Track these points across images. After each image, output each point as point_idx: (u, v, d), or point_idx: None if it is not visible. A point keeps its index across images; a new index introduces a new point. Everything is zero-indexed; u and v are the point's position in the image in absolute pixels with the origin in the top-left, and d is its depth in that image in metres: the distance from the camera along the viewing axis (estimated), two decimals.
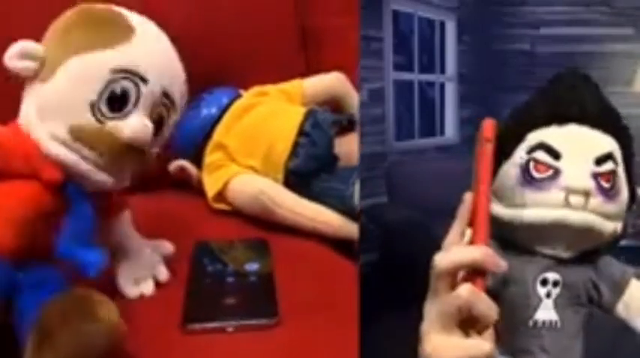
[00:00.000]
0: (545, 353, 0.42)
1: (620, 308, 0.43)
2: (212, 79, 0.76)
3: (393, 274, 1.02)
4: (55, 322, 0.46)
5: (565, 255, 0.42)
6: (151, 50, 0.55)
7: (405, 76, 1.78)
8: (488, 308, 0.36)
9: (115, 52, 0.52)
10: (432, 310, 0.37)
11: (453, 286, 0.37)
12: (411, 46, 1.80)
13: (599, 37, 1.82)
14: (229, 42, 0.91)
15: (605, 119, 0.43)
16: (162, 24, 0.58)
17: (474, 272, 0.37)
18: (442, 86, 1.91)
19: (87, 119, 0.51)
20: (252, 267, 0.66)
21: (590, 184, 0.41)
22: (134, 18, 0.55)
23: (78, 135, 0.51)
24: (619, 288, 0.43)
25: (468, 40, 1.92)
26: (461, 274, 0.37)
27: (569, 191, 0.41)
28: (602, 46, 1.80)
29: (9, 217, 0.49)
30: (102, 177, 0.53)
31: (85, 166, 0.52)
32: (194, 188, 0.91)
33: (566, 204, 0.41)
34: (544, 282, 0.42)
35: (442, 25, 1.88)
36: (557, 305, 0.42)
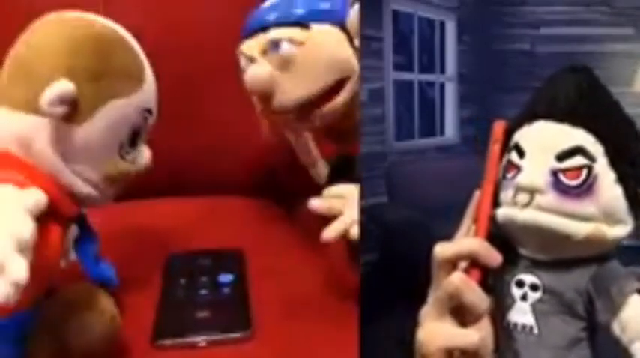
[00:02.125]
0: None
1: (616, 328, 0.38)
2: (183, 89, 0.76)
3: (393, 274, 1.02)
4: (59, 312, 0.49)
5: (541, 257, 0.41)
6: (152, 83, 0.56)
7: (405, 76, 1.78)
8: (478, 298, 0.37)
9: (141, 93, 0.53)
10: (431, 297, 0.39)
11: None
12: (411, 46, 1.80)
13: (599, 37, 1.82)
14: (201, 53, 0.89)
15: (577, 112, 0.40)
16: (137, 35, 0.57)
17: (472, 265, 0.38)
18: (442, 86, 1.91)
19: (115, 159, 0.53)
20: (227, 278, 0.65)
21: (541, 181, 0.39)
22: (136, 46, 0.55)
23: (109, 176, 0.52)
24: (615, 305, 0.38)
25: (468, 40, 1.92)
26: (462, 266, 0.38)
27: (518, 189, 0.40)
28: (602, 46, 1.80)
29: (43, 271, 0.48)
30: (105, 201, 0.56)
31: (107, 200, 0.55)
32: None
33: (513, 202, 0.40)
34: (519, 284, 0.41)
35: (442, 25, 1.88)
36: (535, 311, 0.40)
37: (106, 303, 0.51)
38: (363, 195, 0.62)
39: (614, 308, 0.38)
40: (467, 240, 0.40)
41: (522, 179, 0.40)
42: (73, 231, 0.53)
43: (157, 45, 0.87)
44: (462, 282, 0.37)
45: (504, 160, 0.42)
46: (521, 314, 0.41)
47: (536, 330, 0.40)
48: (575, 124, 0.40)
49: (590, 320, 0.40)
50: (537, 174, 0.40)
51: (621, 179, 0.40)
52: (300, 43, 0.65)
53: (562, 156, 0.40)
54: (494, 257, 0.38)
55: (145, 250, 0.70)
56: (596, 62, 1.67)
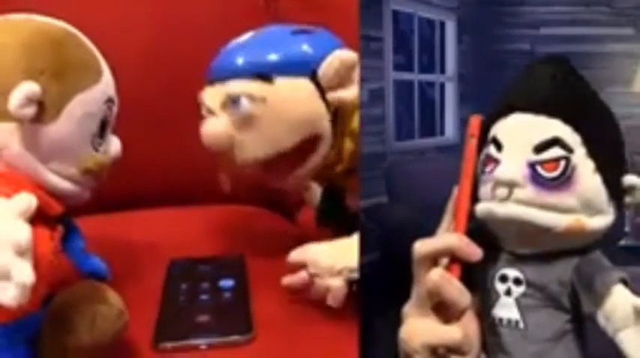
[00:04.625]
0: (504, 354, 0.40)
1: (601, 319, 0.38)
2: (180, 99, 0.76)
3: (393, 274, 1.02)
4: (69, 306, 0.49)
5: (522, 251, 0.41)
6: (109, 72, 0.56)
7: (405, 76, 1.78)
8: (458, 293, 0.37)
9: (102, 84, 0.54)
10: (413, 294, 0.39)
11: None
12: (411, 46, 1.80)
13: (599, 37, 1.82)
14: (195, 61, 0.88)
15: (553, 103, 0.40)
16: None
17: (452, 260, 0.38)
18: (442, 86, 1.91)
19: (89, 152, 0.53)
20: (227, 283, 0.65)
21: (519, 174, 0.39)
22: (85, 38, 0.55)
23: (86, 169, 0.53)
24: (598, 296, 0.38)
25: (468, 40, 1.93)
26: (443, 262, 0.38)
27: (496, 183, 0.40)
28: (602, 46, 1.80)
29: (39, 273, 0.49)
30: (87, 195, 0.56)
31: (86, 194, 0.55)
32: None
33: (493, 196, 0.40)
34: (503, 279, 0.41)
35: (442, 25, 1.88)
36: (520, 305, 0.40)
37: (114, 298, 0.52)
38: (363, 195, 0.62)
39: (599, 299, 0.38)
40: (445, 236, 0.40)
41: (500, 173, 0.40)
42: (60, 229, 0.53)
43: (150, 51, 0.87)
44: (441, 278, 0.37)
45: (482, 154, 0.42)
46: (506, 309, 0.41)
47: (521, 325, 0.40)
48: (551, 115, 0.40)
49: (575, 312, 0.40)
50: (515, 167, 0.39)
51: (600, 168, 0.40)
52: (261, 100, 0.60)
53: (539, 148, 0.39)
54: (474, 252, 0.38)
55: (146, 257, 0.71)
56: (596, 62, 1.69)
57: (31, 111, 0.47)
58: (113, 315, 0.51)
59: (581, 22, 1.86)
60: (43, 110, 0.49)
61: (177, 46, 0.89)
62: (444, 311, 0.38)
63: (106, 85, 0.55)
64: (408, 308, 0.39)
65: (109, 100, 0.55)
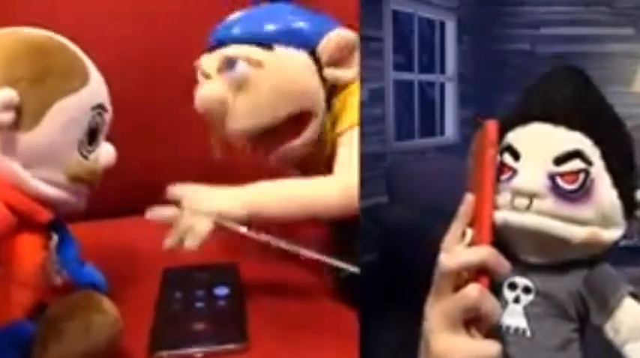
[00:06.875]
0: None
1: (609, 330, 0.39)
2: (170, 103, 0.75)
3: (393, 274, 1.02)
4: (62, 314, 0.49)
5: (536, 260, 0.41)
6: (99, 79, 0.56)
7: (405, 76, 1.78)
8: (494, 307, 0.37)
9: (88, 90, 0.53)
10: (437, 309, 0.38)
11: (456, 285, 0.37)
12: (411, 46, 1.80)
13: (599, 37, 1.82)
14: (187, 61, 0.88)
15: (574, 115, 0.40)
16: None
17: (479, 272, 0.37)
18: (442, 86, 1.91)
19: (77, 158, 0.53)
20: (222, 291, 0.65)
21: (540, 185, 0.39)
22: (73, 46, 0.55)
23: (75, 176, 0.53)
24: (609, 308, 0.39)
25: (468, 40, 1.92)
26: (465, 273, 0.38)
27: (515, 192, 0.40)
28: (602, 46, 1.80)
29: (26, 281, 0.49)
30: (82, 204, 0.56)
31: (81, 202, 0.55)
32: None
33: (512, 206, 0.40)
34: (512, 287, 0.41)
35: (442, 25, 1.88)
36: (528, 313, 0.40)
37: (109, 306, 0.52)
38: (363, 195, 0.62)
39: (609, 311, 0.39)
40: (475, 250, 0.38)
41: (520, 183, 0.40)
42: (54, 239, 0.53)
43: (143, 55, 0.87)
44: (480, 294, 0.36)
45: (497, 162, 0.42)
46: (513, 318, 0.41)
47: (529, 333, 0.40)
48: (572, 127, 0.40)
49: (581, 322, 0.40)
50: (535, 178, 0.39)
51: (617, 182, 0.40)
52: (258, 64, 0.60)
53: (560, 160, 0.39)
54: (504, 265, 0.37)
55: (140, 265, 0.71)
56: (596, 62, 1.69)
57: (7, 117, 0.47)
58: (108, 323, 0.51)
59: (581, 22, 1.86)
60: (22, 116, 0.48)
61: (170, 48, 0.89)
62: (468, 324, 0.37)
63: (93, 91, 0.54)
64: (434, 325, 0.38)
65: (98, 107, 0.54)
